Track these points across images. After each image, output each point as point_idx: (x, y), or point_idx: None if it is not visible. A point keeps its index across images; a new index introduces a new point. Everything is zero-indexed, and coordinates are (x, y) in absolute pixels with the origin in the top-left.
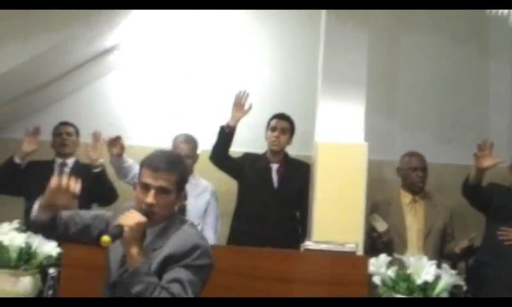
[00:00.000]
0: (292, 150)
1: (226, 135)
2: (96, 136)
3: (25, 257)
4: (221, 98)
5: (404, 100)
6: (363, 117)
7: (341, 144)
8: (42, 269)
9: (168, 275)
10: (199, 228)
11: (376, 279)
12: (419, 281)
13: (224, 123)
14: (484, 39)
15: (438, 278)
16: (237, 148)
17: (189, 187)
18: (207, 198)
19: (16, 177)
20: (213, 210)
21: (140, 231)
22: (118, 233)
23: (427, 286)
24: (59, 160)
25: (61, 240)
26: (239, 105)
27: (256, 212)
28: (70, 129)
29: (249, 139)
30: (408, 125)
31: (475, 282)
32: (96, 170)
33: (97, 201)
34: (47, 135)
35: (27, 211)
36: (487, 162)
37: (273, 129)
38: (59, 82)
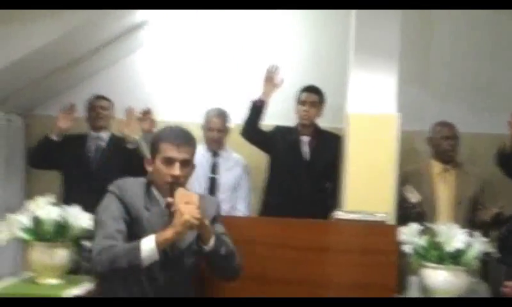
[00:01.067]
0: (324, 122)
1: (257, 109)
2: (129, 112)
3: (61, 230)
4: (252, 71)
5: (437, 70)
6: (395, 87)
7: (373, 115)
8: (77, 242)
9: (217, 230)
10: (231, 200)
11: (407, 248)
12: (450, 249)
13: (255, 96)
14: None
15: (469, 246)
16: (267, 121)
17: (220, 161)
18: (238, 172)
19: (53, 153)
20: (245, 184)
21: None
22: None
23: (458, 253)
24: (94, 134)
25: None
26: (270, 80)
27: (287, 185)
28: (105, 103)
29: (280, 112)
30: (440, 94)
31: (506, 250)
32: (130, 146)
33: (135, 174)
34: (79, 112)
35: (64, 184)
36: None
37: (303, 103)
38: (90, 58)
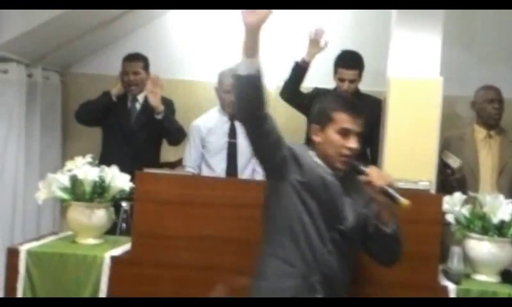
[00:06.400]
0: (364, 86)
1: (300, 70)
2: (155, 81)
3: (99, 191)
4: (286, 32)
5: (482, 31)
6: (439, 50)
7: (414, 79)
8: (116, 203)
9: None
10: (252, 164)
11: (450, 218)
12: (495, 220)
13: (296, 58)
14: None
15: None
16: (306, 83)
17: (238, 124)
18: None
19: (105, 111)
20: None
21: None
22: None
23: (503, 225)
24: (130, 97)
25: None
26: (316, 42)
27: None
28: (137, 67)
29: (319, 74)
30: (484, 57)
31: None
32: (158, 117)
33: (166, 139)
34: (116, 70)
35: (104, 144)
36: None
37: (341, 80)
38: (126, 16)
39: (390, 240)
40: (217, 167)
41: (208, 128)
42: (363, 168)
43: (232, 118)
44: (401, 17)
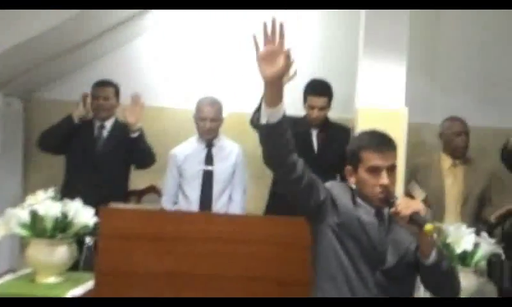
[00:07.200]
0: (333, 113)
1: None
2: (135, 99)
3: (61, 226)
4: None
5: (444, 62)
6: (404, 80)
7: (381, 110)
8: (79, 238)
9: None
10: (227, 191)
11: None
12: (458, 251)
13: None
14: None
15: (476, 247)
16: None
17: (215, 151)
18: (233, 160)
19: (68, 137)
20: (239, 171)
21: None
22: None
23: (466, 255)
24: (97, 123)
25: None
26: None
27: None
28: (107, 92)
29: (288, 102)
30: (448, 87)
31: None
32: (134, 135)
33: (135, 162)
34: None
35: (68, 173)
36: None
37: (311, 107)
38: (94, 42)
39: (432, 273)
40: (192, 195)
41: (186, 155)
42: (392, 200)
43: (208, 145)
44: (368, 47)
